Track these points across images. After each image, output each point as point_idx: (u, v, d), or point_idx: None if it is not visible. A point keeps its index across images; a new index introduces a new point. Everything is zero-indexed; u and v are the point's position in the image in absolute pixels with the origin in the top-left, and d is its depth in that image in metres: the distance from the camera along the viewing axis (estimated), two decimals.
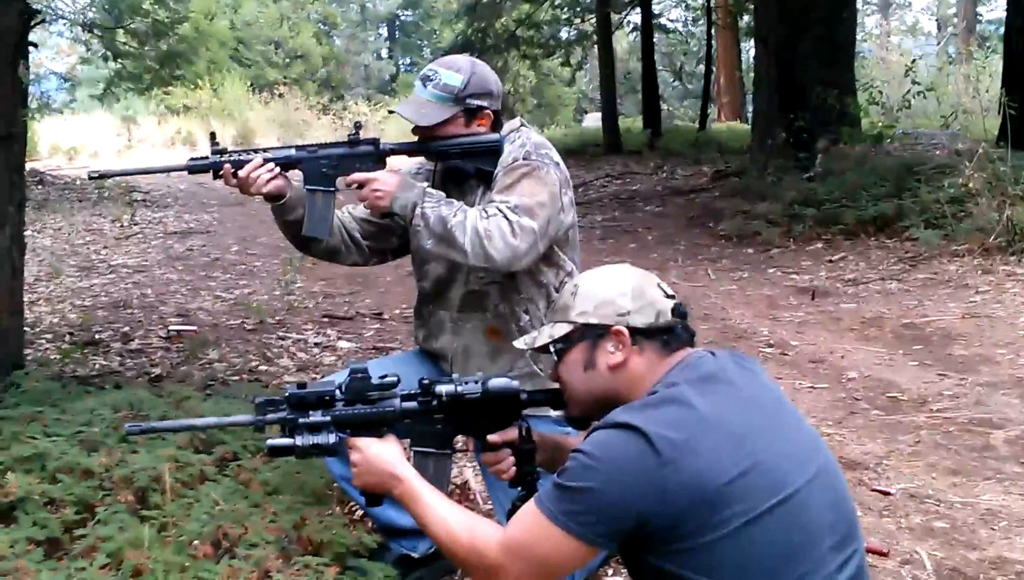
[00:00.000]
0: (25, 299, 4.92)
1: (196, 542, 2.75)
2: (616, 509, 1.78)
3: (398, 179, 2.77)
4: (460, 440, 2.30)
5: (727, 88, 25.21)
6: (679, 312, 2.05)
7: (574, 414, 2.14)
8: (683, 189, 13.94)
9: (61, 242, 10.74)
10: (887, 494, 3.79)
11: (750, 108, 19.56)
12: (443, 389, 2.18)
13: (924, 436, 4.40)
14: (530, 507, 1.88)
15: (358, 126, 2.90)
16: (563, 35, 23.81)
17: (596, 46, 20.92)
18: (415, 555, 3.06)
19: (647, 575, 1.90)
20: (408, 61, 45.59)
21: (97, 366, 5.49)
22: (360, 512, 3.44)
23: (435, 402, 2.19)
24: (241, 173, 2.78)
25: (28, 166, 6.13)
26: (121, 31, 16.33)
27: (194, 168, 2.83)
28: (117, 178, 14.12)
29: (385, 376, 2.18)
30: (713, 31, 22.67)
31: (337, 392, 2.15)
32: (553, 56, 23.51)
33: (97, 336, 6.33)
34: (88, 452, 3.26)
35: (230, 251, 10.40)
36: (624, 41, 31.18)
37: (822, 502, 1.84)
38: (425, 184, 2.80)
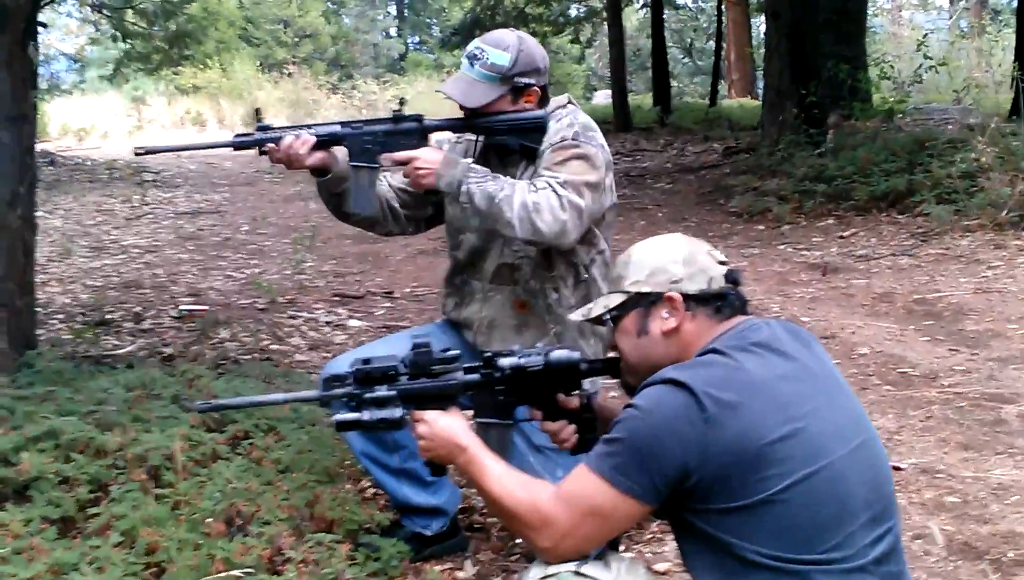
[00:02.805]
0: (37, 279, 4.94)
1: (209, 520, 2.77)
2: (658, 461, 1.81)
3: (442, 156, 2.78)
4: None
5: (738, 64, 25.07)
6: (732, 278, 2.07)
7: (629, 382, 2.16)
8: (693, 166, 13.89)
9: (72, 222, 10.76)
10: (899, 469, 3.79)
11: (761, 84, 19.46)
12: (505, 362, 2.21)
13: (935, 411, 4.39)
14: (582, 462, 1.92)
15: (402, 102, 2.91)
16: (572, 12, 23.73)
17: (606, 23, 20.82)
18: (428, 533, 3.08)
19: (687, 535, 1.93)
20: (417, 40, 45.31)
21: (109, 346, 5.51)
22: (372, 490, 3.46)
23: (497, 374, 2.22)
24: (280, 149, 2.78)
25: (39, 147, 6.15)
26: (130, 11, 16.28)
27: (239, 144, 2.84)
28: (129, 158, 14.26)
29: (447, 349, 2.22)
30: (723, 7, 22.56)
31: (400, 366, 2.17)
32: (562, 33, 23.47)
33: (109, 316, 6.34)
34: (101, 431, 3.28)
35: (240, 231, 10.40)
36: (634, 18, 31.02)
37: (860, 477, 1.86)
38: (469, 160, 2.81)
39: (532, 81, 2.87)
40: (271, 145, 2.79)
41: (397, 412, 2.13)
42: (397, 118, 2.85)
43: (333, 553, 2.71)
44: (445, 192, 2.77)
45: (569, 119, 2.85)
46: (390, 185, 3.05)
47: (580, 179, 2.72)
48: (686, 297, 2.04)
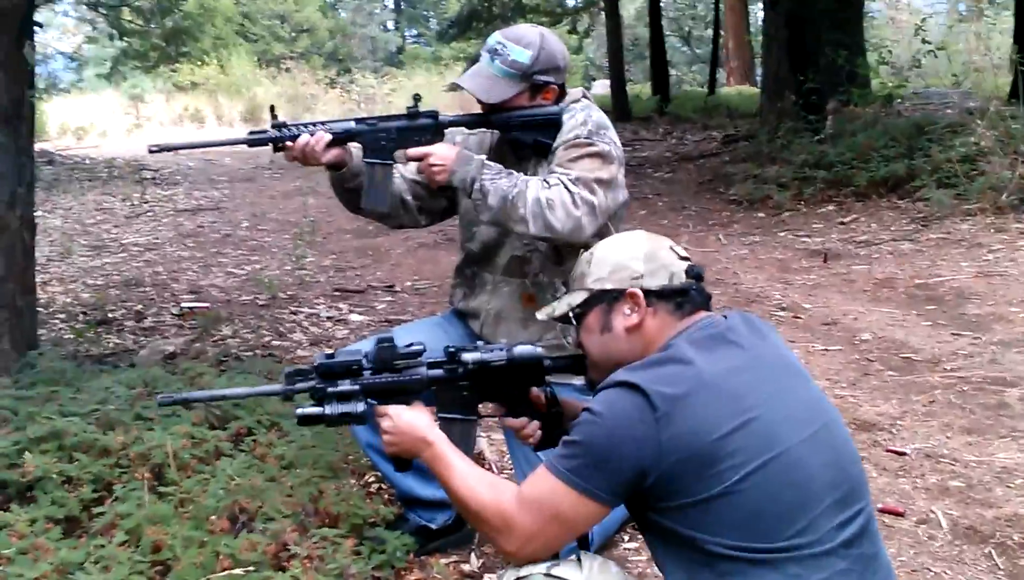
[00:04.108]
0: (37, 279, 4.93)
1: (214, 517, 2.77)
2: (615, 463, 1.84)
3: (456, 153, 2.77)
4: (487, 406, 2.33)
5: (736, 52, 25.03)
6: (693, 273, 2.08)
7: (594, 378, 2.17)
8: (693, 154, 13.88)
9: (72, 222, 10.74)
10: (902, 454, 3.79)
11: (759, 72, 19.41)
12: (469, 357, 2.22)
13: (938, 396, 4.40)
14: (542, 465, 1.93)
15: (417, 98, 2.89)
16: (570, 2, 23.67)
17: (603, 13, 20.76)
18: (433, 526, 3.08)
19: (654, 534, 1.95)
20: (414, 32, 45.26)
21: (111, 344, 5.51)
22: (377, 484, 3.46)
23: (461, 370, 2.22)
24: (296, 147, 2.78)
25: (37, 146, 6.13)
26: (126, 9, 16.24)
27: (255, 142, 2.82)
28: (128, 156, 14.25)
29: (411, 344, 2.21)
30: None
31: (364, 361, 2.16)
32: (560, 24, 23.35)
33: (110, 315, 6.35)
34: (104, 430, 3.28)
35: (241, 227, 10.38)
36: (631, 7, 30.98)
37: (821, 461, 1.87)
38: (483, 157, 2.80)
39: (551, 80, 2.85)
40: (287, 143, 2.79)
41: (360, 407, 2.13)
42: (412, 114, 2.85)
43: (338, 548, 2.71)
44: (458, 188, 2.77)
45: (583, 116, 2.83)
46: (404, 177, 3.03)
47: (592, 176, 2.71)
48: (648, 293, 2.06)
